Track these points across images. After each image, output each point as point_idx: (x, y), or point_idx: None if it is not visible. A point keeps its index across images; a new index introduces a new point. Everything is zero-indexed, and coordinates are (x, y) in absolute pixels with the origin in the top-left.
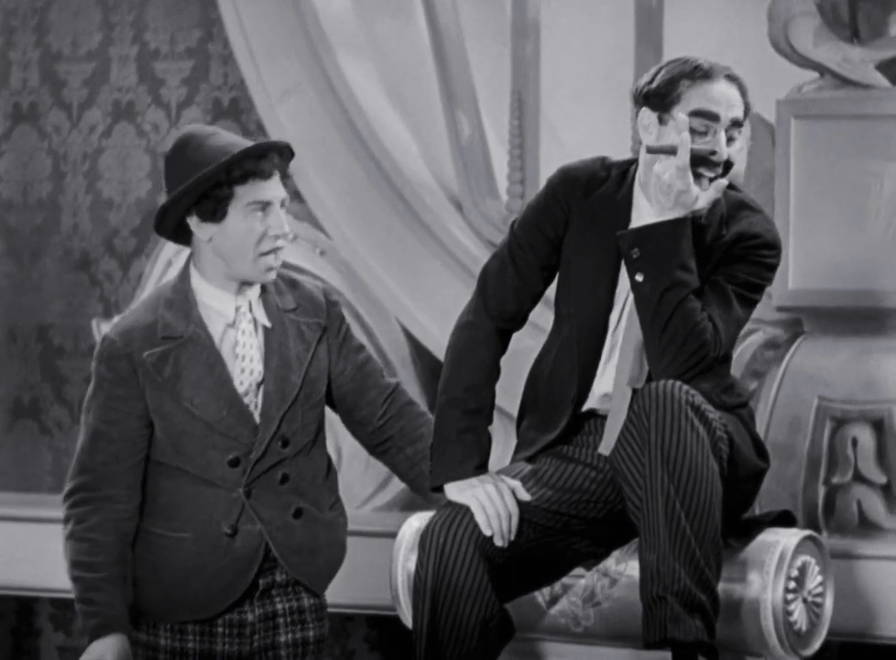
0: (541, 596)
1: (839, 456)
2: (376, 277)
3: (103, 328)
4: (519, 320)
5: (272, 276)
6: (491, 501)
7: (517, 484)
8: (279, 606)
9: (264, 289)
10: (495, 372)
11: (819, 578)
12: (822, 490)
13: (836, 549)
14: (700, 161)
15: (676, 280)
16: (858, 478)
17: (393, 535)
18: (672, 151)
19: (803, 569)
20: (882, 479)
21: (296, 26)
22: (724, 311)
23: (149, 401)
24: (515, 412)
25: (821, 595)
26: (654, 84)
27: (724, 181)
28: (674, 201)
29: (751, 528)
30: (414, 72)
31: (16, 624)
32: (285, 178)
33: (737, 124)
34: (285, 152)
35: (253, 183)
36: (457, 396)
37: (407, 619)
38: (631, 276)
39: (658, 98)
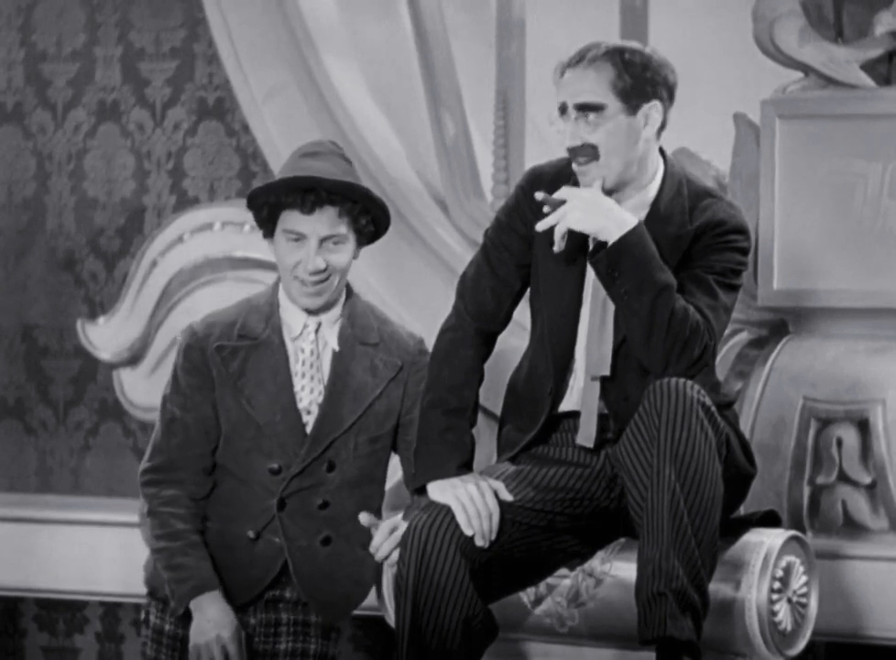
0: (526, 596)
1: (824, 457)
2: (361, 276)
3: (87, 328)
4: (499, 320)
5: (313, 303)
6: (472, 501)
7: (499, 485)
8: (284, 616)
9: (345, 315)
10: (477, 373)
11: (804, 579)
12: (807, 490)
13: (821, 549)
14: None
15: (661, 284)
16: (843, 478)
17: None
18: (561, 203)
19: (787, 569)
20: (867, 479)
21: (281, 26)
22: (711, 300)
23: (216, 392)
24: (499, 412)
25: (806, 595)
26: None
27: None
28: (605, 217)
29: (736, 528)
30: (399, 73)
31: (1, 625)
32: (347, 218)
33: (584, 107)
34: (362, 202)
35: (290, 213)
36: (439, 397)
37: (391, 619)
38: (615, 294)
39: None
